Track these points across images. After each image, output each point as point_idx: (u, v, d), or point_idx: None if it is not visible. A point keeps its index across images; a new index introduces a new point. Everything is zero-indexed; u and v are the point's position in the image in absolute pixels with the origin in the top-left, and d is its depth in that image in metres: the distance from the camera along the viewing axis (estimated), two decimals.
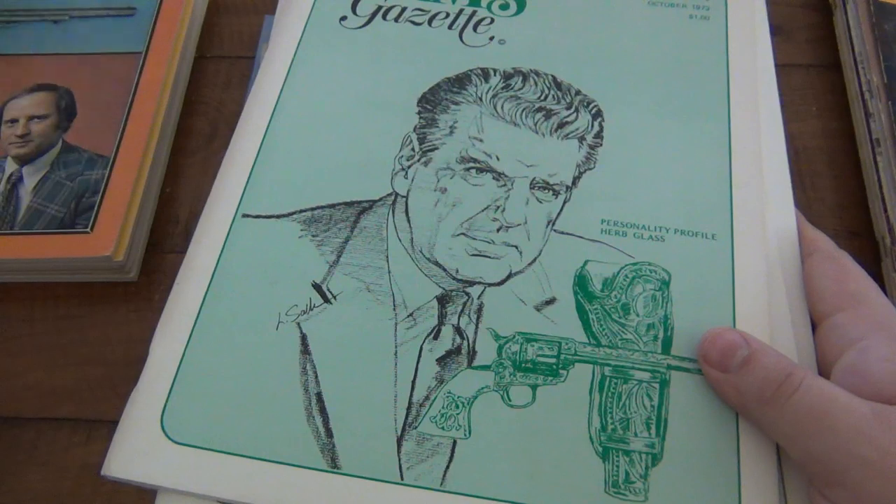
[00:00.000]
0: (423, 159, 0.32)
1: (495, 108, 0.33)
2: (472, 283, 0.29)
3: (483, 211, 0.30)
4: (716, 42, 0.38)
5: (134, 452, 0.28)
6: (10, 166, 0.38)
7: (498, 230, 0.30)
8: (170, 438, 0.28)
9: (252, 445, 0.29)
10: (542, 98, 0.33)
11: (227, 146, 0.35)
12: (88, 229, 0.35)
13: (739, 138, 0.38)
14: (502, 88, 0.33)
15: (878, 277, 0.35)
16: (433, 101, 0.33)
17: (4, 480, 0.31)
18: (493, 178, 0.31)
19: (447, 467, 0.29)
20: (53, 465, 0.31)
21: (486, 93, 0.33)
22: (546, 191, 0.31)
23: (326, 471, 0.30)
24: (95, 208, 0.35)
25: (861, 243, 0.38)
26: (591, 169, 0.32)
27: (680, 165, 0.36)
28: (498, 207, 0.30)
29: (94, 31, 0.43)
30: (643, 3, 0.41)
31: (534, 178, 0.31)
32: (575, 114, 0.33)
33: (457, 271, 0.29)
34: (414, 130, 0.32)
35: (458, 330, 0.29)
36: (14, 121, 0.40)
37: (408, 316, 0.29)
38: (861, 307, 0.32)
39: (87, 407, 0.32)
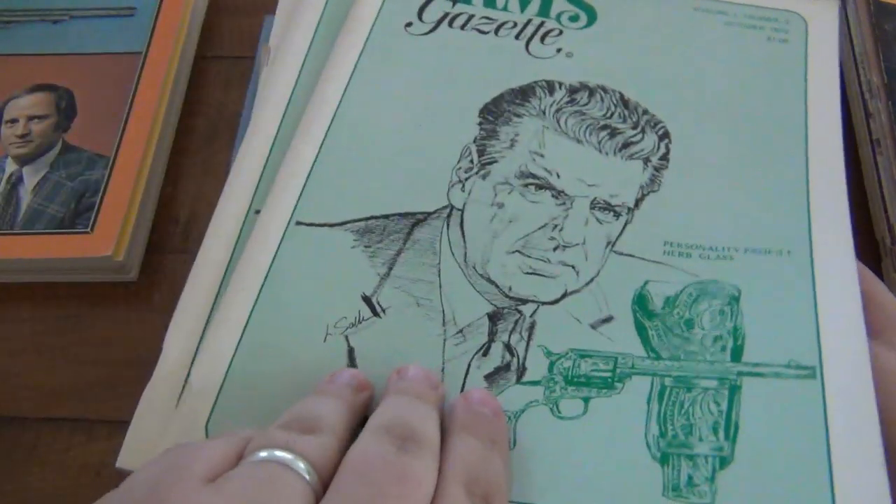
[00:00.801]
0: (481, 172, 0.31)
1: (558, 122, 0.32)
2: (525, 302, 0.29)
3: (540, 229, 0.30)
4: (794, 65, 0.37)
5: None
6: (10, 166, 0.38)
7: (555, 249, 0.30)
8: None
9: None
10: (608, 115, 0.32)
11: (228, 146, 0.35)
12: (89, 229, 0.35)
13: (818, 166, 0.36)
14: (567, 103, 0.32)
15: (878, 278, 0.33)
16: (495, 113, 0.32)
17: (4, 480, 0.31)
18: (553, 195, 0.30)
19: None
20: (53, 465, 0.31)
21: (550, 106, 0.32)
22: (607, 211, 0.30)
23: None
24: (95, 208, 0.35)
25: (861, 243, 0.38)
26: (654, 191, 0.31)
27: (753, 187, 0.33)
28: (556, 226, 0.30)
29: (94, 32, 0.42)
30: (720, 22, 0.39)
31: (595, 198, 0.30)
32: (641, 134, 0.32)
33: (510, 289, 0.29)
34: (474, 142, 0.32)
35: (508, 347, 0.28)
36: (14, 121, 0.40)
37: (457, 332, 0.28)
38: (869, 304, 0.32)
39: (87, 407, 0.32)
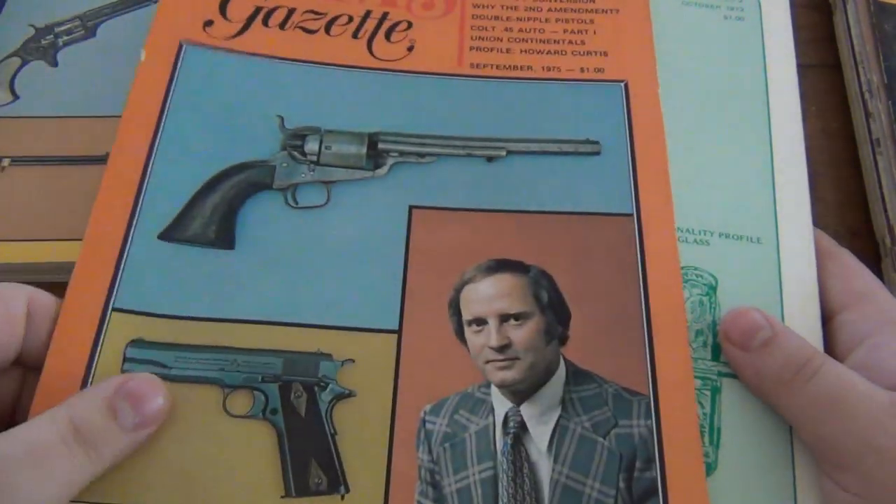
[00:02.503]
0: None
1: None
2: None
3: None
4: (752, 42, 0.38)
5: None
6: (500, 401, 0.34)
7: None
8: None
9: None
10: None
11: None
12: None
13: (780, 139, 0.37)
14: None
15: (878, 277, 0.35)
16: None
17: None
18: None
19: None
20: None
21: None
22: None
23: None
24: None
25: (861, 243, 0.39)
26: None
27: (721, 166, 0.36)
28: None
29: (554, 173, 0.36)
30: (677, 2, 0.40)
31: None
32: None
33: None
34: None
35: None
36: (481, 322, 0.35)
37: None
38: (868, 304, 0.32)
39: None
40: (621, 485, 0.32)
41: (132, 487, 0.32)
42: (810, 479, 0.31)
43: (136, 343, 0.36)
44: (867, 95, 0.41)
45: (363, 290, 0.37)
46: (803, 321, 0.33)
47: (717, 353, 0.34)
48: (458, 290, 0.37)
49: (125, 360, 0.35)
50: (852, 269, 0.34)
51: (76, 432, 0.29)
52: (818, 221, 0.37)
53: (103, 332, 0.35)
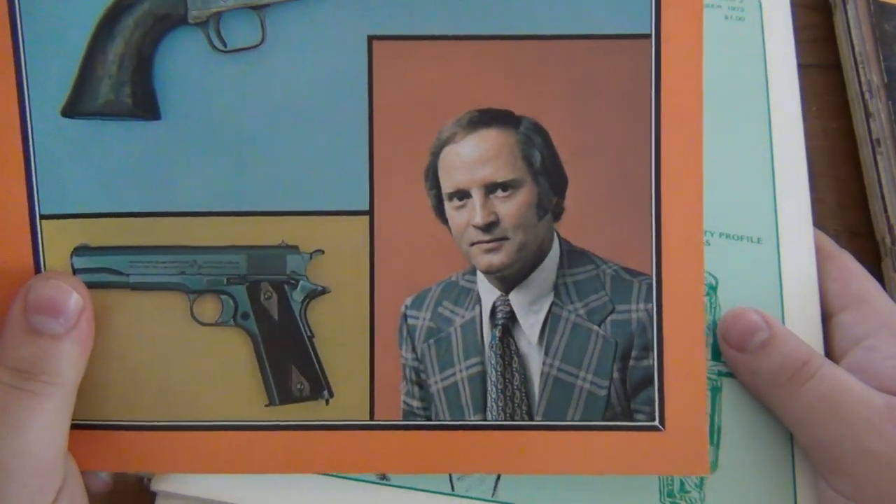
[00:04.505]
0: None
1: None
2: None
3: None
4: (752, 42, 0.36)
5: None
6: (487, 289, 0.31)
7: None
8: None
9: None
10: None
11: None
12: None
13: (780, 139, 0.35)
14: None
15: (878, 277, 0.35)
16: None
17: None
18: None
19: (498, 478, 0.32)
20: None
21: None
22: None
23: (376, 482, 0.31)
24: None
25: (861, 243, 0.39)
26: None
27: (721, 166, 0.33)
28: None
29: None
30: None
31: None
32: None
33: None
34: None
35: None
36: (464, 195, 0.31)
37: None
38: (864, 306, 0.32)
39: None
40: (615, 375, 0.31)
41: (116, 406, 0.32)
42: (810, 480, 0.30)
43: (81, 251, 0.32)
44: (867, 95, 0.40)
45: (323, 161, 0.32)
46: (803, 321, 0.32)
47: (717, 353, 0.32)
48: (436, 155, 0.32)
49: (75, 271, 0.32)
50: (851, 272, 0.33)
51: (18, 373, 0.28)
52: (818, 222, 0.36)
53: (40, 247, 0.32)
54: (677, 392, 0.30)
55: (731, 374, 0.32)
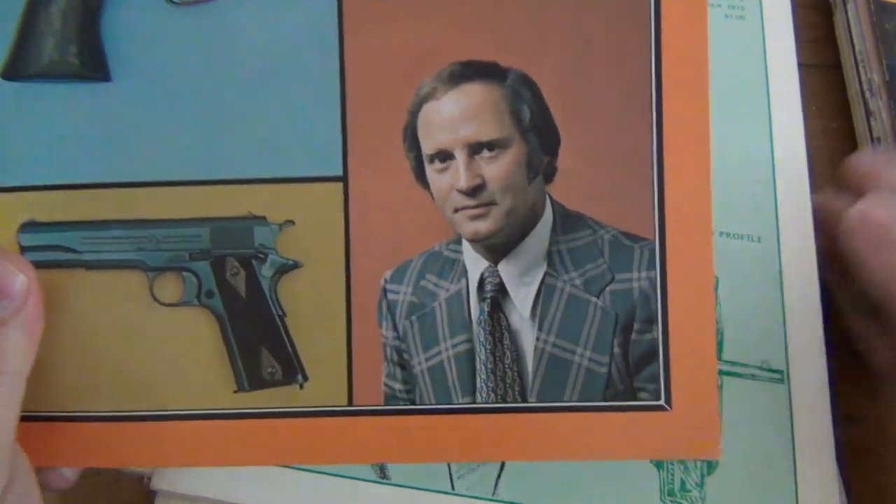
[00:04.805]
0: None
1: None
2: None
3: None
4: (753, 42, 0.36)
5: None
6: (473, 261, 0.28)
7: None
8: None
9: None
10: None
11: None
12: None
13: (781, 139, 0.34)
14: None
15: None
16: None
17: None
18: None
19: (498, 476, 0.30)
20: None
21: None
22: None
23: (376, 481, 0.28)
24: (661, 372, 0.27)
25: None
26: None
27: (721, 165, 0.30)
28: None
29: None
30: None
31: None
32: None
33: None
34: None
35: None
36: (446, 156, 0.28)
37: None
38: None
39: None
40: (616, 350, 0.28)
41: (71, 395, 0.29)
42: (812, 477, 0.28)
43: (29, 227, 0.29)
44: (868, 94, 0.40)
45: (291, 123, 0.29)
46: (803, 321, 0.31)
47: (717, 352, 0.30)
48: (414, 113, 0.29)
49: (22, 250, 0.29)
50: None
51: None
52: None
53: None
54: (684, 368, 0.27)
55: (731, 373, 0.31)
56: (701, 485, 0.29)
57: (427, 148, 0.29)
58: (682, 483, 0.29)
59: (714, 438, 0.27)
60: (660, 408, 0.28)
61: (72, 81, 0.29)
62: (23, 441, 0.28)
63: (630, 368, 0.28)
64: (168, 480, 0.31)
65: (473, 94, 0.29)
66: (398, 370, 0.29)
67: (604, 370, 0.28)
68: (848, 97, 0.42)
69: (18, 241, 0.29)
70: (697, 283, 0.27)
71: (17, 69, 0.29)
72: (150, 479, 0.31)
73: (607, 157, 0.28)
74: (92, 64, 0.29)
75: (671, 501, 0.30)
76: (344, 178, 0.29)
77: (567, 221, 0.29)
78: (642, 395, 0.28)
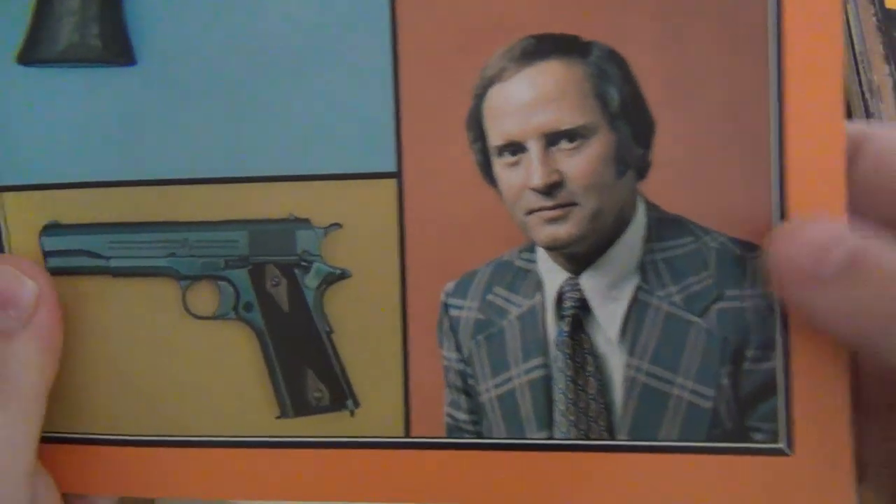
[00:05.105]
0: None
1: None
2: None
3: None
4: None
5: None
6: (550, 272, 0.24)
7: None
8: None
9: None
10: None
11: None
12: None
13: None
14: None
15: None
16: None
17: None
18: None
19: None
20: None
21: None
22: None
23: None
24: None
25: None
26: None
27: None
28: None
29: None
30: None
31: None
32: None
33: None
34: None
35: None
36: (517, 149, 0.24)
37: None
38: None
39: None
40: (724, 381, 0.23)
41: (99, 416, 0.26)
42: None
43: (52, 230, 0.27)
44: (868, 95, 0.40)
45: (337, 112, 0.25)
46: None
47: None
48: (480, 97, 0.24)
49: (46, 255, 0.26)
50: None
51: None
52: None
53: (2, 226, 0.26)
54: (810, 404, 0.23)
55: None
56: None
57: (494, 138, 0.24)
58: None
59: (847, 491, 0.22)
60: (778, 451, 0.23)
61: (93, 66, 0.26)
62: (49, 465, 0.25)
63: (742, 403, 0.23)
64: None
65: (550, 73, 0.24)
66: (463, 398, 0.25)
67: (709, 405, 0.24)
68: (847, 97, 0.42)
69: (41, 244, 0.26)
70: None
71: (34, 53, 0.26)
72: None
73: (713, 149, 0.23)
74: (115, 46, 0.26)
75: None
76: (398, 174, 0.25)
77: (664, 226, 0.24)
78: (756, 435, 0.23)
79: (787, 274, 0.21)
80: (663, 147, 0.24)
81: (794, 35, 0.22)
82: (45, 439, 0.25)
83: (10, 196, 0.26)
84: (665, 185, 0.24)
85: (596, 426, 0.24)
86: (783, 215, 0.23)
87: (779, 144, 0.23)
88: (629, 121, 0.24)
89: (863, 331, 0.21)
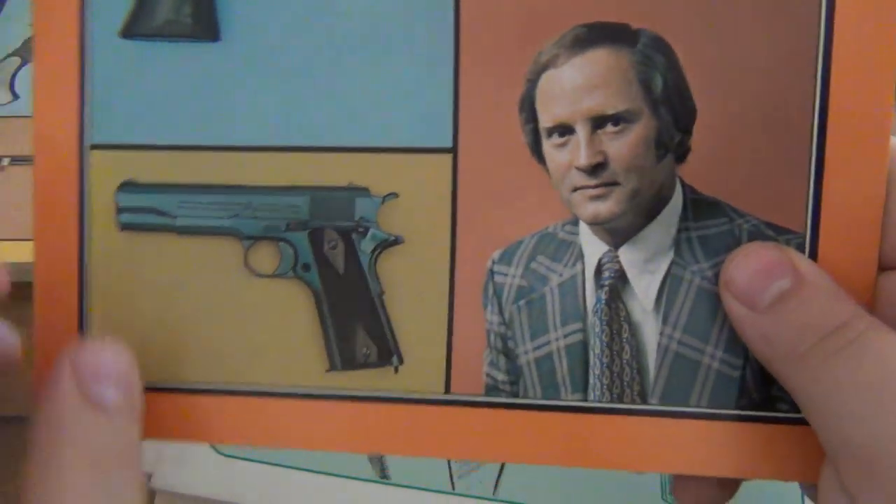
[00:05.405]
0: None
1: None
2: None
3: None
4: None
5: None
6: (590, 243, 0.26)
7: None
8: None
9: (296, 454, 0.30)
10: None
11: None
12: None
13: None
14: None
15: None
16: None
17: (4, 480, 0.29)
18: None
19: (499, 476, 0.29)
20: None
21: None
22: None
23: (376, 481, 0.30)
24: None
25: None
26: None
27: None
28: None
29: None
30: None
31: None
32: None
33: None
34: None
35: None
36: (565, 130, 0.26)
37: None
38: None
39: None
40: (751, 353, 0.25)
41: (153, 367, 0.28)
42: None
43: (128, 187, 0.29)
44: None
45: (399, 89, 0.27)
46: None
47: None
48: (533, 82, 0.26)
49: (119, 210, 0.28)
50: None
51: (95, 461, 0.22)
52: None
53: (85, 179, 0.28)
54: None
55: None
56: None
57: (545, 120, 0.26)
58: None
59: None
60: (802, 422, 0.24)
61: (183, 41, 0.28)
62: None
63: (768, 375, 0.24)
64: (167, 480, 0.30)
65: (599, 61, 0.26)
66: (502, 359, 0.27)
67: (737, 374, 0.25)
68: None
69: (117, 200, 0.29)
70: (853, 286, 0.24)
71: (135, 28, 0.28)
72: (149, 476, 0.31)
73: (753, 136, 0.25)
74: (204, 24, 0.28)
75: (672, 500, 0.27)
76: (454, 150, 0.27)
77: (699, 207, 0.26)
78: (782, 406, 0.25)
79: (727, 291, 0.23)
80: (703, 134, 0.26)
81: (846, 26, 0.24)
82: None
83: (96, 153, 0.28)
84: (703, 169, 0.26)
85: (629, 390, 0.26)
86: (817, 200, 0.25)
87: (820, 135, 0.25)
88: (672, 107, 0.26)
89: (774, 359, 0.22)
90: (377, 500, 0.29)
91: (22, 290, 0.32)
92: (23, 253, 0.38)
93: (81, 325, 0.28)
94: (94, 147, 0.28)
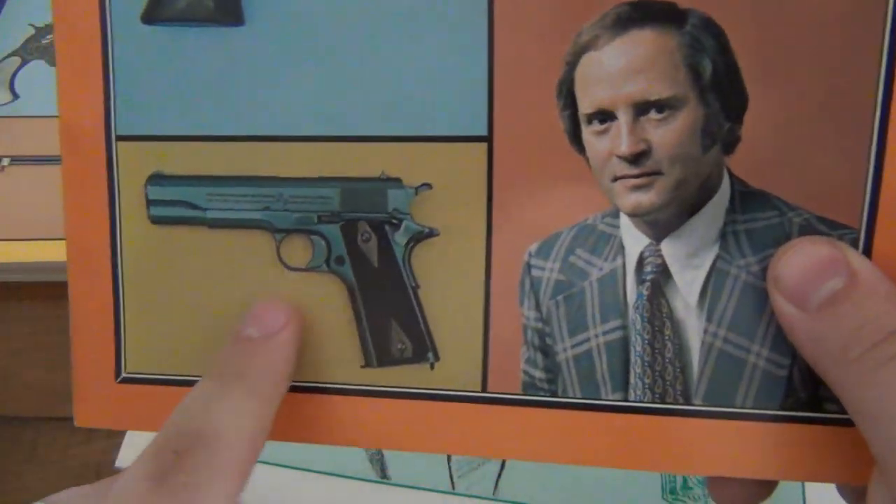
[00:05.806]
0: None
1: None
2: None
3: None
4: None
5: None
6: (632, 236, 0.25)
7: None
8: None
9: (296, 455, 0.30)
10: None
11: None
12: None
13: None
14: None
15: None
16: None
17: (4, 480, 0.30)
18: None
19: (499, 476, 0.29)
20: (53, 464, 0.30)
21: None
22: None
23: (376, 481, 0.29)
24: None
25: None
26: None
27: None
28: None
29: None
30: None
31: None
32: None
33: None
34: None
35: None
36: (606, 117, 0.25)
37: None
38: None
39: None
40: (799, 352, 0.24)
41: (185, 361, 0.28)
42: None
43: (156, 179, 0.28)
44: None
45: (432, 75, 0.26)
46: None
47: None
48: (572, 65, 0.25)
49: (149, 203, 0.28)
50: None
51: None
52: None
53: (115, 174, 0.28)
54: None
55: None
56: (703, 482, 0.26)
57: (585, 106, 0.25)
58: (685, 481, 0.26)
59: None
60: (850, 423, 0.23)
61: (206, 25, 0.27)
62: (144, 406, 0.27)
63: (815, 375, 0.24)
64: None
65: (643, 42, 0.25)
66: (540, 356, 0.26)
67: (783, 373, 0.24)
68: None
69: (146, 193, 0.28)
70: None
71: (156, 13, 0.27)
72: None
73: (808, 128, 0.24)
74: (227, 7, 0.27)
75: (673, 499, 0.27)
76: (489, 139, 0.26)
77: (747, 199, 0.24)
78: (829, 406, 0.24)
79: (777, 290, 0.22)
80: (753, 123, 0.24)
81: None
82: (145, 381, 0.27)
83: (124, 145, 0.28)
84: (753, 161, 0.24)
85: (672, 390, 0.25)
86: (875, 196, 0.23)
87: (881, 125, 0.23)
88: (721, 94, 0.24)
89: (824, 362, 0.21)
90: (377, 500, 0.29)
91: (22, 290, 0.32)
92: (23, 253, 0.38)
93: (116, 320, 0.28)
94: (121, 139, 0.28)
